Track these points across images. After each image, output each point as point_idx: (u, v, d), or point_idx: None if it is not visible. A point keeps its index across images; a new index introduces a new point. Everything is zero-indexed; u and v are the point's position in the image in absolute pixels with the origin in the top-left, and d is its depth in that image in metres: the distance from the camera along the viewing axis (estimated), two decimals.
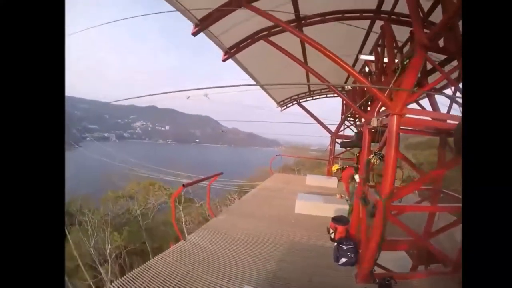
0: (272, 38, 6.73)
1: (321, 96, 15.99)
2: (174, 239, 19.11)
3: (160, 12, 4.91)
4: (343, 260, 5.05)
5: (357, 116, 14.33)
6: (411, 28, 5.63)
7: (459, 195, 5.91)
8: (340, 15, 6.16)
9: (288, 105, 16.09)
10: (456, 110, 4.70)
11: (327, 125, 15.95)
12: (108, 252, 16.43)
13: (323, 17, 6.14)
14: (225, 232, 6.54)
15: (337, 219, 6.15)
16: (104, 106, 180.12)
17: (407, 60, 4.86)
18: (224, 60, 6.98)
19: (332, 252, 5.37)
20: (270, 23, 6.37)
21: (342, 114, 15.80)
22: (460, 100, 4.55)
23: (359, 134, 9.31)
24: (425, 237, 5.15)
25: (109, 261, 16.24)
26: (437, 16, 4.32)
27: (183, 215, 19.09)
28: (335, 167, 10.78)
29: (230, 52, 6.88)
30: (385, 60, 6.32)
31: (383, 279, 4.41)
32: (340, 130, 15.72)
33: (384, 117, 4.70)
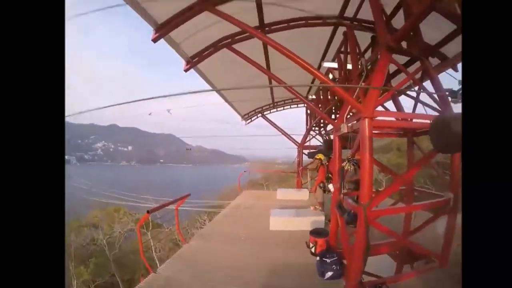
0: (235, 47, 6.47)
1: (285, 108, 15.97)
2: (146, 269, 18.14)
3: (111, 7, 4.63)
4: (329, 274, 4.80)
5: (322, 125, 14.38)
6: (372, 34, 5.80)
7: (432, 191, 6.07)
8: (304, 22, 6.08)
9: (252, 118, 15.93)
10: (421, 109, 4.82)
11: (292, 136, 15.95)
12: None
13: (288, 24, 6.02)
14: (200, 259, 5.97)
15: (316, 232, 5.91)
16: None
17: (370, 65, 5.03)
18: (186, 70, 6.59)
19: (316, 267, 5.12)
20: (233, 30, 6.19)
21: (307, 125, 15.82)
22: (426, 100, 4.76)
23: (326, 143, 9.20)
24: (405, 237, 5.17)
25: None
26: (397, 22, 4.52)
27: (152, 243, 18.21)
28: (319, 156, 9.93)
29: (192, 62, 6.51)
30: (349, 66, 6.38)
31: (375, 286, 4.27)
32: (306, 140, 15.66)
33: (354, 122, 4.63)
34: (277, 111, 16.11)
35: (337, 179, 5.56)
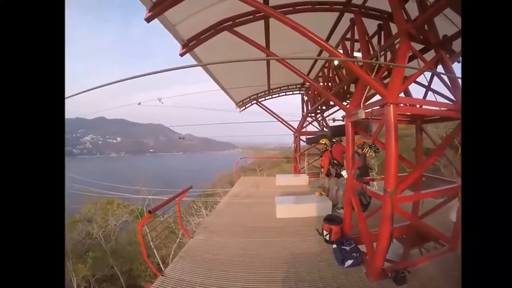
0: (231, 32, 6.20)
1: (280, 94, 15.75)
2: (143, 259, 18.21)
3: None
4: (350, 262, 4.79)
5: (318, 111, 14.27)
6: (378, 22, 5.82)
7: (442, 178, 6.14)
8: (310, 6, 5.88)
9: (247, 106, 15.72)
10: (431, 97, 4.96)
11: (288, 122, 15.83)
12: (75, 285, 15.17)
13: (293, 7, 5.79)
14: (208, 255, 5.63)
15: (330, 219, 5.86)
16: None
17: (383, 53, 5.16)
18: (181, 55, 6.25)
19: (334, 255, 5.09)
20: (234, 13, 5.92)
21: (303, 111, 15.70)
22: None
23: (332, 129, 9.10)
24: (416, 220, 5.28)
25: None
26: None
27: (148, 231, 18.03)
28: (324, 141, 9.81)
29: (189, 46, 6.20)
30: (356, 54, 6.26)
31: (397, 272, 4.23)
32: (303, 126, 15.58)
33: (377, 108, 4.51)
34: (272, 98, 15.88)
35: (351, 165, 5.48)
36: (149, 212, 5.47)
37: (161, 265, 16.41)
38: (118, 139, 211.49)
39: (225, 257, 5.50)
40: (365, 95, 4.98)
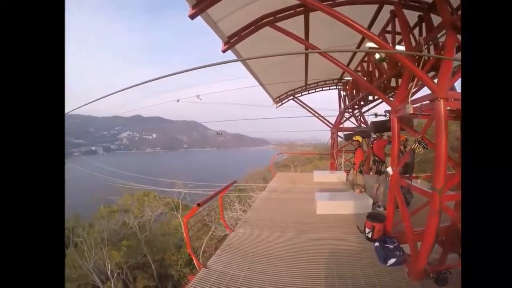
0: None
1: (317, 90, 15.51)
2: (176, 248, 18.82)
3: None
4: (392, 260, 4.68)
5: (356, 106, 13.96)
6: (419, 13, 5.60)
7: None
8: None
9: (283, 101, 15.60)
10: None
11: (326, 118, 15.59)
12: (109, 271, 15.91)
13: (333, 1, 5.70)
14: (249, 249, 5.68)
15: (373, 217, 5.72)
16: (88, 120, 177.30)
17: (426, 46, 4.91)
18: (224, 51, 6.30)
19: (376, 253, 4.98)
20: (274, 8, 5.90)
21: (340, 106, 15.41)
22: None
23: (374, 124, 8.84)
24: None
25: (112, 280, 15.68)
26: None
27: (182, 223, 18.51)
28: (357, 138, 9.83)
29: (231, 42, 6.22)
30: (398, 47, 6.06)
31: (440, 273, 4.09)
32: (341, 122, 15.31)
33: (426, 102, 4.35)
34: (308, 93, 15.65)
35: (397, 162, 5.29)
36: (198, 205, 5.69)
37: (192, 255, 16.79)
38: (154, 135, 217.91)
39: (267, 251, 5.53)
40: (412, 89, 4.80)
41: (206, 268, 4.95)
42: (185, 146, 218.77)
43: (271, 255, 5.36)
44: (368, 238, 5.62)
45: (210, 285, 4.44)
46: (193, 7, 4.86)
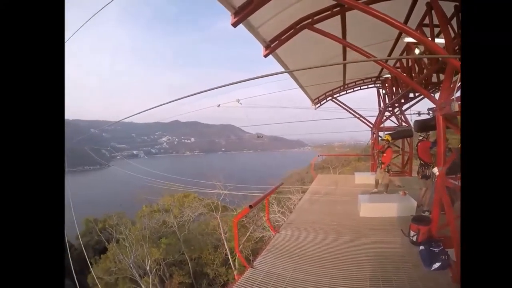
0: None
1: (355, 89, 15.20)
2: (213, 248, 19.23)
3: None
4: (437, 264, 4.48)
5: (396, 105, 13.52)
6: (454, 3, 5.36)
7: None
8: None
9: (322, 102, 15.41)
10: None
11: (366, 118, 15.24)
12: (148, 267, 16.57)
13: None
14: (294, 250, 5.72)
15: (418, 219, 5.52)
16: (130, 126, 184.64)
17: None
18: (265, 56, 6.38)
19: (420, 257, 4.78)
20: (311, 10, 5.91)
21: (379, 105, 15.01)
22: None
23: (418, 123, 8.50)
24: None
25: (150, 275, 16.53)
26: None
27: (220, 223, 18.83)
28: (387, 137, 9.90)
29: (271, 46, 6.29)
30: (440, 40, 5.81)
31: None
32: (382, 121, 14.81)
33: None
34: (346, 93, 15.38)
35: (443, 162, 5.05)
36: (250, 206, 5.84)
37: (229, 255, 17.34)
38: (192, 139, 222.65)
39: (311, 253, 5.55)
40: (457, 85, 4.56)
41: (253, 268, 5.04)
42: (223, 149, 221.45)
43: (316, 256, 5.35)
44: (412, 242, 5.42)
45: (257, 284, 4.50)
46: (235, 15, 4.98)
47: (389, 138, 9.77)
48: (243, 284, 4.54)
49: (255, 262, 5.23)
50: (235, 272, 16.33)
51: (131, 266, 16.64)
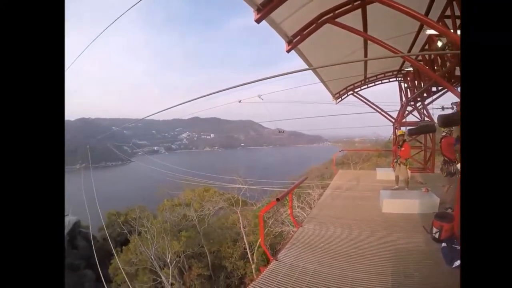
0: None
1: (376, 83, 14.97)
2: (232, 242, 19.42)
3: None
4: (459, 262, 4.34)
5: (418, 99, 13.21)
6: None
7: None
8: None
9: (343, 97, 15.23)
10: None
11: (388, 113, 14.95)
12: (169, 259, 16.96)
13: None
14: (317, 244, 5.78)
15: (441, 216, 5.42)
16: (150, 123, 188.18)
17: None
18: (288, 51, 6.39)
19: (442, 254, 4.71)
20: (332, 4, 5.89)
21: (401, 99, 14.72)
22: None
23: (443, 118, 8.29)
24: None
25: (170, 267, 16.79)
26: None
27: (240, 218, 18.98)
28: (401, 132, 9.97)
29: (293, 42, 6.29)
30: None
31: None
32: (404, 116, 14.40)
33: None
34: (367, 87, 15.16)
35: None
36: (277, 199, 6.04)
37: (247, 249, 17.51)
38: (212, 135, 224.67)
39: (334, 247, 5.59)
40: None
41: (277, 260, 5.14)
42: (242, 144, 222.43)
43: (339, 251, 5.40)
44: (434, 239, 5.33)
45: (282, 276, 4.58)
46: (258, 11, 5.02)
47: (402, 132, 9.86)
48: (268, 275, 4.64)
49: (279, 255, 5.33)
50: (253, 266, 16.49)
51: (152, 257, 16.92)
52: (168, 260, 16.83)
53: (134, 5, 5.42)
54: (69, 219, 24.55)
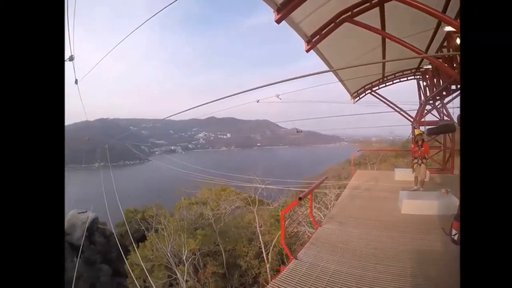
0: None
1: (394, 82, 14.72)
2: (247, 240, 19.45)
3: None
4: None
5: (437, 98, 12.93)
6: None
7: None
8: None
9: (361, 96, 15.07)
10: None
11: (407, 112, 14.68)
12: (184, 256, 17.13)
13: None
14: (337, 244, 5.80)
15: None
16: (167, 123, 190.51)
17: None
18: (307, 51, 6.40)
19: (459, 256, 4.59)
20: (352, 2, 5.90)
21: (420, 98, 14.45)
22: None
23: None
24: None
25: (186, 264, 16.99)
26: None
27: (256, 217, 19.01)
28: (418, 132, 9.82)
29: (312, 41, 6.28)
30: None
31: None
32: (423, 115, 14.14)
33: None
34: (386, 86, 14.95)
35: None
36: (299, 198, 6.19)
37: (262, 248, 17.52)
38: (228, 135, 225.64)
39: (354, 246, 5.61)
40: None
41: (297, 259, 5.18)
42: (259, 144, 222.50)
43: (358, 251, 5.42)
44: (453, 241, 5.23)
45: (301, 275, 4.62)
46: (278, 11, 5.05)
47: (420, 132, 9.78)
48: (287, 274, 4.68)
49: (299, 254, 5.37)
50: (267, 266, 16.49)
51: (168, 254, 17.21)
52: (184, 258, 17.02)
53: (158, 12, 5.52)
54: (88, 216, 25.10)
